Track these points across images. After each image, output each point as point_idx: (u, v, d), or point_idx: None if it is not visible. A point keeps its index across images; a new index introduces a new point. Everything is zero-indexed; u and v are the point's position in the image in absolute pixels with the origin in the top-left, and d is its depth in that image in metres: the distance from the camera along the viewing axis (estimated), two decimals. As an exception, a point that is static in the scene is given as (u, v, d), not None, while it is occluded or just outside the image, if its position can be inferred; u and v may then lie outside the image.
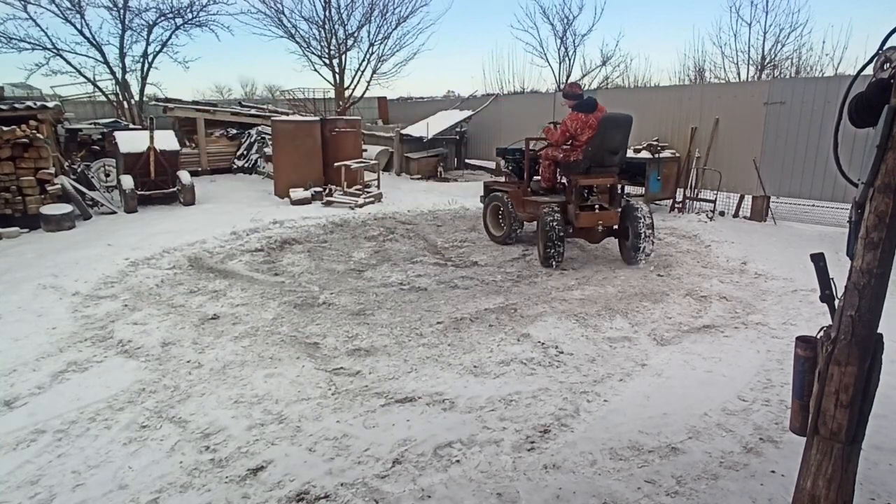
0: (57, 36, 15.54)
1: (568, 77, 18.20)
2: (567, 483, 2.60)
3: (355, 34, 15.95)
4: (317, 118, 11.35)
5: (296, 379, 3.61)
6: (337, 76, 16.18)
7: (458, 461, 2.77)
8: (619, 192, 6.62)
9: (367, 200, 9.56)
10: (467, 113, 13.87)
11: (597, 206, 6.27)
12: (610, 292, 5.27)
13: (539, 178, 6.95)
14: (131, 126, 12.52)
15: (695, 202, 8.89)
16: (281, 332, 4.36)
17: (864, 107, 1.73)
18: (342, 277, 5.82)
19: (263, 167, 12.95)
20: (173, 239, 7.04)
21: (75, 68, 14.68)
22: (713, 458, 2.78)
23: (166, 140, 9.97)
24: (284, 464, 2.76)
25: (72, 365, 3.80)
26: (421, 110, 16.02)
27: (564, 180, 6.65)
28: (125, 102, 15.00)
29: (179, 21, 15.29)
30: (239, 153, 13.91)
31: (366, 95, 16.98)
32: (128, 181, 9.10)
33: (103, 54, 14.78)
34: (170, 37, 15.43)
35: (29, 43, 14.01)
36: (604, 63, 18.26)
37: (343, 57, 16.06)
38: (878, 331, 1.78)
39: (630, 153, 9.05)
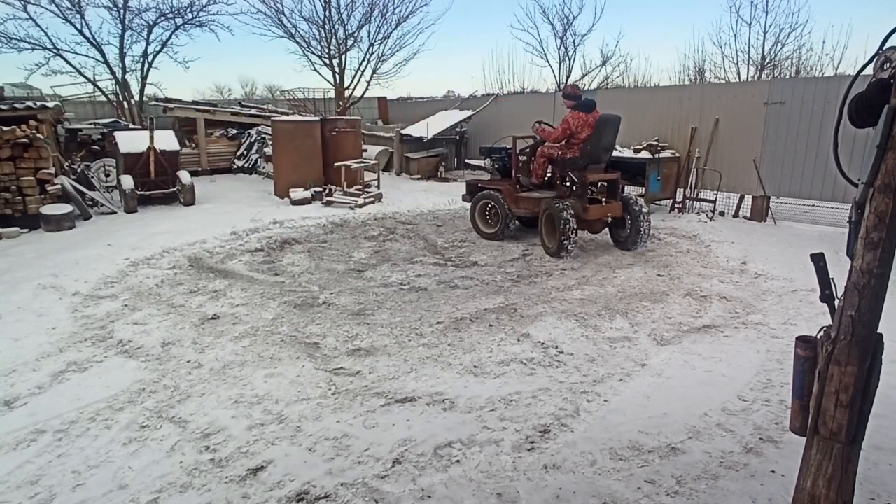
0: (57, 36, 15.57)
1: (568, 77, 18.20)
2: (567, 483, 2.60)
3: (355, 34, 15.96)
4: (317, 118, 11.35)
5: (296, 379, 3.61)
6: (337, 76, 16.18)
7: (458, 461, 2.77)
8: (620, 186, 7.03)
9: (367, 200, 9.56)
10: (467, 113, 13.87)
11: (603, 200, 6.71)
12: (610, 292, 5.27)
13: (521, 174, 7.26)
14: (131, 126, 12.52)
15: (695, 202, 8.89)
16: (281, 332, 4.36)
17: (864, 107, 1.73)
18: (342, 277, 5.83)
19: (263, 167, 12.95)
20: (173, 239, 7.04)
21: (75, 68, 14.69)
22: (713, 458, 2.78)
23: (166, 140, 9.97)
24: (284, 464, 2.76)
25: (72, 365, 3.80)
26: (421, 110, 16.01)
27: (556, 176, 7.07)
28: (125, 102, 15.00)
29: (179, 21, 15.30)
30: (239, 153, 13.91)
31: (366, 95, 16.98)
32: (128, 181, 9.10)
33: (103, 54, 14.79)
34: (170, 37, 15.45)
35: (29, 43, 14.02)
36: (604, 63, 18.28)
37: (343, 57, 16.07)
38: (878, 331, 1.78)
39: (630, 153, 9.07)
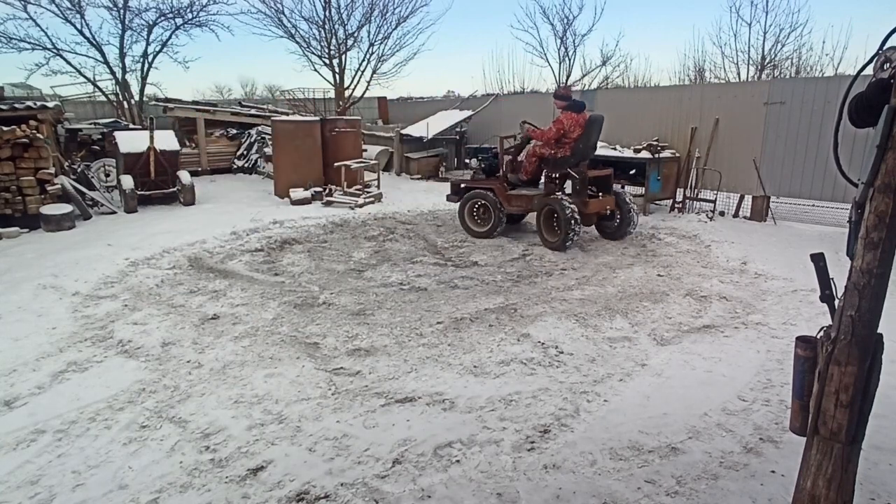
0: (57, 36, 15.54)
1: (568, 77, 18.20)
2: (567, 483, 2.60)
3: (355, 34, 15.96)
4: (317, 118, 11.34)
5: (296, 379, 3.61)
6: (337, 76, 16.17)
7: (458, 461, 2.77)
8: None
9: (367, 200, 9.56)
10: (467, 113, 13.86)
11: (599, 195, 7.13)
12: (610, 292, 5.27)
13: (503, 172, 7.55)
14: (131, 126, 12.52)
15: (695, 202, 8.89)
16: (281, 332, 4.36)
17: (864, 107, 1.73)
18: (342, 277, 5.83)
19: (263, 167, 12.95)
20: (173, 239, 7.04)
21: (75, 68, 14.69)
22: (713, 458, 2.78)
23: (166, 140, 9.97)
24: (284, 464, 2.76)
25: (72, 365, 3.80)
26: (421, 110, 16.00)
27: (544, 174, 7.44)
28: (125, 102, 15.00)
29: (179, 21, 15.29)
30: (239, 153, 13.91)
31: (366, 95, 16.97)
32: (128, 181, 9.10)
33: (103, 54, 14.79)
34: (170, 37, 15.44)
35: (29, 43, 14.02)
36: (604, 63, 18.25)
37: (343, 57, 16.06)
38: (878, 331, 1.78)
39: (630, 153, 9.07)
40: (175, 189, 9.75)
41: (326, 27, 15.56)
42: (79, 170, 9.77)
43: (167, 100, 14.50)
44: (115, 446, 2.90)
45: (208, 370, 3.74)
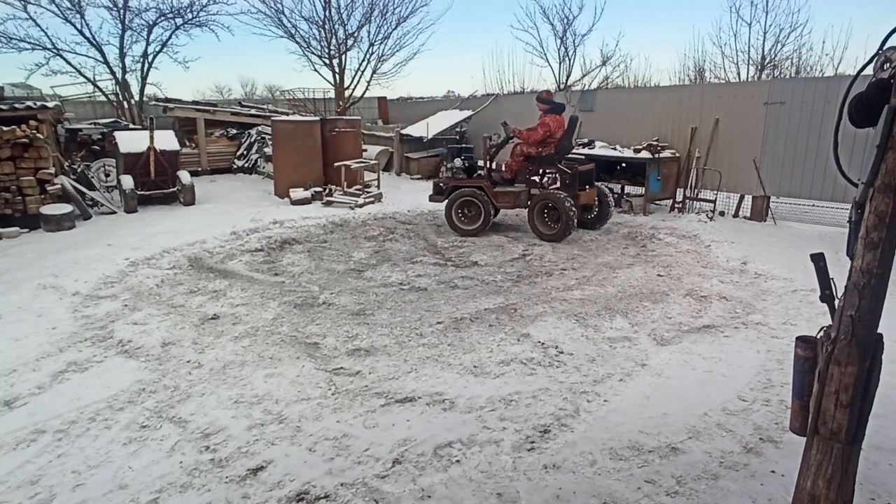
0: (57, 36, 15.53)
1: (568, 77, 18.19)
2: (567, 483, 2.60)
3: (355, 34, 15.95)
4: (317, 118, 11.34)
5: (296, 379, 3.61)
6: (337, 76, 16.17)
7: (458, 461, 2.77)
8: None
9: (367, 200, 9.56)
10: (467, 113, 13.86)
11: (587, 187, 7.62)
12: (610, 292, 5.27)
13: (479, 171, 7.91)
14: (131, 126, 12.52)
15: (695, 202, 8.89)
16: (281, 332, 4.36)
17: (864, 107, 1.73)
18: (342, 277, 5.82)
19: (263, 167, 12.95)
20: (173, 239, 7.04)
21: (75, 68, 14.69)
22: (713, 458, 2.78)
23: (166, 140, 9.97)
24: (284, 464, 2.76)
25: (72, 365, 3.80)
26: (421, 110, 16.01)
27: (528, 171, 7.80)
28: (125, 102, 15.00)
29: (179, 21, 15.29)
30: (239, 153, 13.91)
31: (366, 95, 16.97)
32: (128, 181, 9.10)
33: (103, 54, 14.79)
34: (170, 37, 15.44)
35: (29, 43, 14.02)
36: (604, 63, 18.22)
37: (343, 57, 16.06)
38: (878, 331, 1.78)
39: (630, 153, 9.07)
40: (175, 189, 9.75)
41: (326, 27, 15.56)
42: (79, 170, 9.77)
43: (167, 100, 14.50)
44: (115, 446, 2.90)
45: (208, 370, 3.74)
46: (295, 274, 5.93)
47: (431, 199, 8.10)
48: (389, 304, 5.01)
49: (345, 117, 12.62)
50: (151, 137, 9.47)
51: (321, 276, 5.87)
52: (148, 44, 15.25)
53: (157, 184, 9.64)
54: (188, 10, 15.19)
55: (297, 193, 9.72)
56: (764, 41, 16.99)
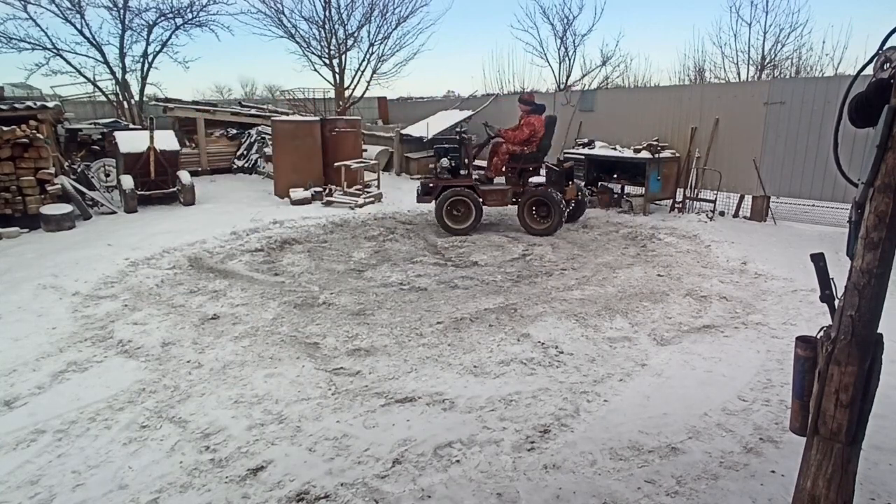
0: (57, 36, 15.54)
1: (568, 77, 18.18)
2: (567, 483, 2.60)
3: (355, 34, 15.96)
4: (317, 118, 11.34)
5: (296, 379, 3.61)
6: (337, 76, 16.18)
7: (458, 461, 2.77)
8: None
9: (367, 200, 9.56)
10: (467, 113, 13.86)
11: (570, 183, 8.01)
12: (610, 292, 5.27)
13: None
14: (131, 126, 12.52)
15: (695, 202, 8.89)
16: (281, 332, 4.36)
17: (864, 107, 1.73)
18: (342, 277, 5.82)
19: (263, 167, 12.95)
20: (173, 239, 7.04)
21: (75, 68, 14.69)
22: (713, 458, 2.78)
23: (166, 140, 9.96)
24: (284, 464, 2.76)
25: (72, 365, 3.80)
26: (421, 110, 16.01)
27: (509, 170, 8.11)
28: (125, 102, 15.00)
29: (179, 21, 15.30)
30: (239, 153, 13.91)
31: (366, 95, 16.97)
32: (128, 181, 9.10)
33: (103, 54, 14.80)
34: (170, 37, 15.44)
35: (29, 43, 14.02)
36: (604, 63, 18.21)
37: (343, 57, 16.07)
38: (878, 331, 1.78)
39: (630, 153, 9.07)
40: (175, 189, 9.75)
41: (326, 27, 15.57)
42: (79, 170, 9.77)
43: (167, 100, 14.50)
44: (115, 446, 2.90)
45: (208, 370, 3.74)
46: (295, 274, 5.93)
47: (420, 199, 8.05)
48: (389, 304, 5.01)
49: (345, 117, 12.62)
50: (151, 137, 9.46)
51: (321, 276, 5.87)
52: (148, 44, 15.26)
53: (157, 184, 9.63)
54: (188, 10, 15.21)
55: (297, 193, 9.71)
56: (764, 41, 17.00)
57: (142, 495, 2.54)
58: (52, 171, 8.13)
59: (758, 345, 4.11)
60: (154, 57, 15.45)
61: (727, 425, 3.07)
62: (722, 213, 8.52)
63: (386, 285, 5.55)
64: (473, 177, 7.86)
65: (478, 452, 2.83)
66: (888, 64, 1.68)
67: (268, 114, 14.32)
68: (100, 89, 15.04)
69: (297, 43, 15.81)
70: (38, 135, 7.97)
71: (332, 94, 16.63)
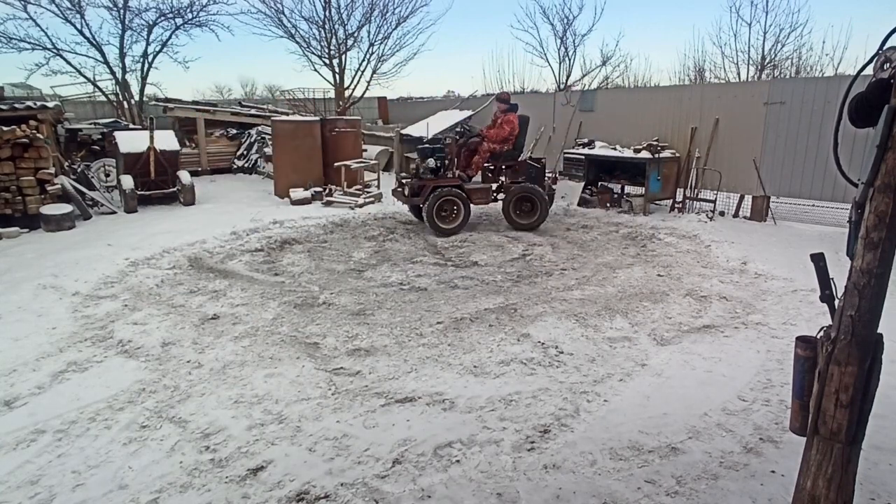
0: (57, 36, 15.54)
1: (568, 77, 18.18)
2: (567, 483, 2.60)
3: (355, 34, 15.98)
4: (317, 118, 11.35)
5: (296, 379, 3.61)
6: (337, 76, 16.19)
7: (458, 461, 2.77)
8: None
9: (367, 200, 9.56)
10: (467, 113, 13.85)
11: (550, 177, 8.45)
12: (610, 292, 5.27)
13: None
14: (131, 126, 12.53)
15: (695, 202, 8.89)
16: (281, 332, 4.36)
17: (864, 107, 1.73)
18: (342, 277, 5.82)
19: (263, 167, 12.95)
20: (173, 239, 7.04)
21: (75, 68, 14.70)
22: (713, 458, 2.78)
23: (166, 140, 9.97)
24: (284, 464, 2.76)
25: (72, 365, 3.80)
26: (421, 110, 16.01)
27: (488, 168, 8.34)
28: (125, 102, 15.01)
29: (179, 21, 15.32)
30: (239, 153, 13.91)
31: (366, 95, 16.98)
32: (128, 181, 9.10)
33: (103, 54, 14.80)
34: (170, 37, 15.46)
35: (29, 43, 14.03)
36: (604, 63, 18.22)
37: (343, 57, 16.08)
38: (878, 331, 1.78)
39: (630, 153, 9.08)
40: (175, 189, 9.75)
41: (326, 27, 15.58)
42: (79, 170, 9.77)
43: (167, 100, 14.51)
44: (115, 446, 2.90)
45: (208, 370, 3.74)
46: (295, 274, 5.93)
47: (410, 201, 7.83)
48: (389, 304, 5.01)
49: (345, 117, 12.63)
50: (151, 137, 9.46)
51: (321, 276, 5.87)
52: (148, 44, 15.28)
53: (157, 184, 9.64)
54: (188, 10, 15.22)
55: (297, 193, 9.71)
56: (764, 41, 17.02)
57: (142, 495, 2.54)
58: (52, 171, 8.13)
59: (758, 345, 4.11)
60: (154, 57, 15.47)
61: (727, 425, 3.07)
62: (722, 213, 8.52)
63: (386, 285, 5.55)
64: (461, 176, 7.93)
65: (478, 452, 2.83)
66: (888, 64, 1.68)
67: (268, 114, 14.33)
68: (100, 89, 15.05)
69: (297, 43, 15.84)
70: (38, 135, 7.97)
71: (332, 94, 16.64)
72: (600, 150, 9.70)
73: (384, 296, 5.22)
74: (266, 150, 12.92)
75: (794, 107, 8.03)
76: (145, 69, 15.40)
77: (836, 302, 1.84)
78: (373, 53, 16.18)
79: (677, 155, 9.17)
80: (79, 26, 14.26)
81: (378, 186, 10.42)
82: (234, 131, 14.09)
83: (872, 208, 1.67)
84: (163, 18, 15.11)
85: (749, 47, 17.32)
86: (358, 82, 16.44)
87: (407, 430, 3.03)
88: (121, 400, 3.36)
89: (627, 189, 9.52)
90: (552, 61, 18.30)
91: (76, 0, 13.85)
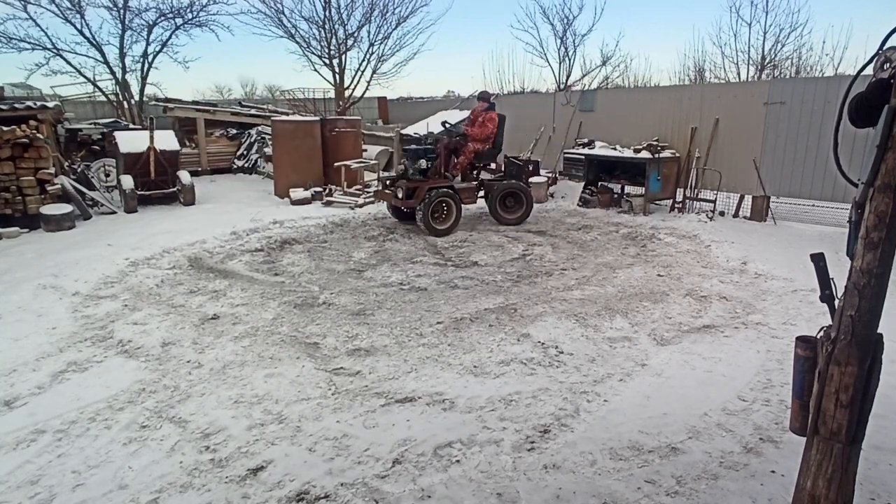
0: (57, 36, 15.58)
1: (568, 77, 18.19)
2: (567, 483, 2.60)
3: (355, 34, 16.00)
4: (317, 118, 11.35)
5: (296, 379, 3.61)
6: (337, 76, 16.20)
7: (458, 461, 2.77)
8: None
9: (367, 200, 9.56)
10: (467, 113, 13.85)
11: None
12: (610, 292, 5.27)
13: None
14: (131, 126, 12.53)
15: (695, 202, 8.89)
16: (281, 332, 4.36)
17: (864, 107, 1.73)
18: (342, 277, 5.82)
19: (263, 167, 12.95)
20: (173, 239, 7.04)
21: (75, 68, 14.72)
22: (713, 458, 2.78)
23: (166, 140, 9.97)
24: (284, 464, 2.76)
25: (72, 365, 3.80)
26: (421, 110, 16.02)
27: (468, 167, 8.45)
28: (125, 102, 15.02)
29: (179, 21, 15.34)
30: (239, 153, 13.91)
31: (366, 95, 16.99)
32: (128, 181, 9.10)
33: (103, 54, 14.82)
34: (170, 37, 15.48)
35: (29, 43, 14.05)
36: (604, 63, 18.22)
37: (343, 57, 16.10)
38: (878, 331, 1.78)
39: (630, 153, 9.08)
40: (175, 189, 9.75)
41: (326, 27, 15.60)
42: (79, 170, 9.77)
43: (167, 100, 14.51)
44: (115, 446, 2.90)
45: (208, 370, 3.74)
46: (295, 274, 5.93)
47: (407, 202, 7.59)
48: (389, 304, 5.00)
49: (345, 117, 12.63)
50: (151, 137, 9.47)
51: (321, 276, 5.87)
52: (148, 44, 15.29)
53: (157, 184, 9.64)
54: (188, 10, 15.24)
55: (297, 193, 9.71)
56: (764, 41, 17.02)
57: (142, 495, 2.54)
58: (52, 171, 8.13)
59: (758, 345, 4.11)
60: (154, 57, 15.49)
61: (727, 425, 3.07)
62: (722, 213, 8.52)
63: (386, 285, 5.55)
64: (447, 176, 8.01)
65: (478, 452, 2.83)
66: (888, 64, 1.68)
67: (268, 114, 14.34)
68: (100, 89, 15.06)
69: (297, 43, 15.85)
70: (38, 135, 7.97)
71: (332, 94, 16.66)
72: (600, 150, 9.70)
73: (384, 296, 5.22)
74: (266, 150, 12.92)
75: (794, 107, 8.03)
76: (145, 69, 15.42)
77: (836, 302, 1.84)
78: (373, 53, 16.21)
79: (677, 155, 9.17)
80: (79, 26, 14.29)
81: (378, 186, 10.42)
82: (234, 131, 14.10)
83: (872, 208, 1.67)
84: (163, 18, 15.15)
85: (749, 47, 17.34)
86: (358, 82, 16.47)
87: (407, 430, 3.03)
88: (121, 400, 3.36)
89: (627, 189, 9.52)
90: (552, 61, 18.32)
91: (76, 0, 13.85)
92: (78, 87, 15.52)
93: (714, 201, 8.59)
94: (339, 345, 4.14)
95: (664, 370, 3.73)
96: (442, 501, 2.49)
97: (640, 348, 4.08)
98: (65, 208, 7.91)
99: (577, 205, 9.58)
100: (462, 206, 7.92)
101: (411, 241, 7.38)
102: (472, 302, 5.02)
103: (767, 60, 17.26)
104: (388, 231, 7.87)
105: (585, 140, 10.24)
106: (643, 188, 8.96)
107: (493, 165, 8.73)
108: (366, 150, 12.52)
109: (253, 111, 14.92)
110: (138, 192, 9.22)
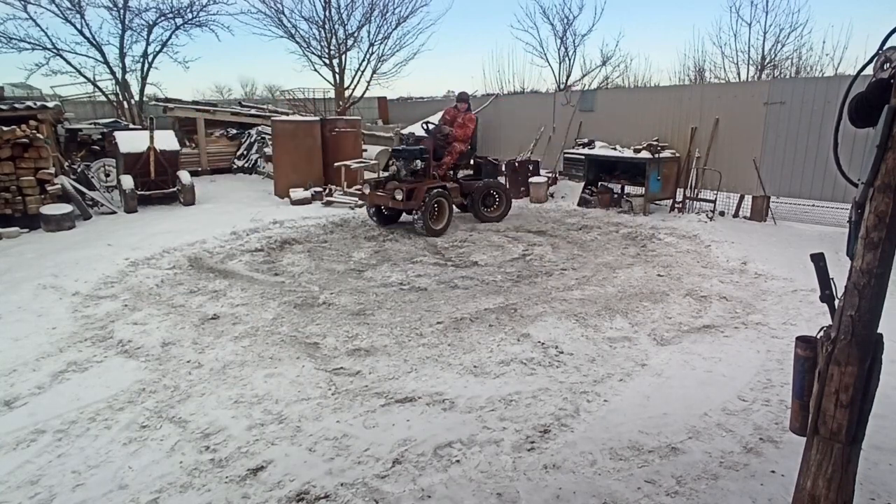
0: (57, 36, 15.56)
1: (568, 77, 18.17)
2: (567, 483, 2.60)
3: (355, 34, 15.98)
4: (317, 118, 11.35)
5: (296, 379, 3.61)
6: (337, 76, 16.19)
7: (458, 461, 2.77)
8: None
9: (367, 200, 9.55)
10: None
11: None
12: (610, 292, 5.27)
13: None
14: (131, 126, 12.53)
15: (695, 202, 8.89)
16: (281, 332, 4.36)
17: (864, 107, 1.72)
18: (342, 277, 5.82)
19: (263, 167, 12.96)
20: (173, 239, 7.04)
21: (75, 68, 14.71)
22: (713, 458, 2.78)
23: (166, 140, 9.97)
24: (284, 464, 2.76)
25: (72, 365, 3.80)
26: (421, 110, 16.00)
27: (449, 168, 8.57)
28: (125, 102, 15.02)
29: (179, 21, 15.33)
30: (239, 153, 13.91)
31: (366, 95, 16.98)
32: (128, 181, 9.10)
33: (103, 54, 14.82)
34: (170, 37, 15.47)
35: (29, 43, 14.04)
36: (604, 63, 18.19)
37: (343, 57, 16.08)
38: (878, 331, 1.78)
39: (630, 153, 9.08)
40: (175, 189, 9.75)
41: (326, 27, 15.58)
42: (79, 170, 9.78)
43: (167, 100, 14.52)
44: (115, 446, 2.90)
45: (208, 370, 3.74)
46: (295, 274, 5.93)
47: (408, 204, 7.46)
48: (389, 304, 5.01)
49: (345, 117, 12.63)
50: (151, 137, 9.47)
51: (321, 276, 5.87)
52: (148, 44, 15.29)
53: (157, 184, 9.64)
54: (188, 10, 15.23)
55: (297, 193, 9.72)
56: (764, 41, 17.01)
57: (142, 495, 2.54)
58: (52, 171, 8.13)
59: (758, 345, 4.11)
60: (154, 57, 15.48)
61: (727, 425, 3.07)
62: (722, 213, 8.52)
63: (386, 285, 5.55)
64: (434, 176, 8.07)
65: (478, 452, 2.83)
66: (888, 64, 1.68)
67: (268, 114, 14.34)
68: (100, 89, 15.06)
69: (297, 43, 15.84)
70: (38, 135, 7.97)
71: (332, 94, 16.65)
72: (600, 150, 9.70)
73: (384, 296, 5.22)
74: (266, 150, 12.92)
75: (794, 107, 8.03)
76: (145, 69, 15.42)
77: (836, 302, 1.84)
78: (373, 53, 16.19)
79: (677, 155, 9.17)
80: (79, 26, 14.29)
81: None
82: (234, 131, 14.10)
83: (872, 208, 1.67)
84: (163, 18, 15.14)
85: (749, 47, 17.32)
86: (358, 82, 16.46)
87: (407, 430, 3.03)
88: (121, 400, 3.36)
89: (627, 189, 9.52)
90: (552, 61, 18.29)
91: (76, 0, 13.85)
92: (78, 87, 15.54)
93: (714, 201, 8.59)
94: (339, 345, 4.14)
95: (664, 370, 3.73)
96: (442, 501, 2.49)
97: (640, 348, 4.08)
98: (65, 208, 7.91)
99: (577, 205, 9.58)
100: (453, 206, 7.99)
101: (411, 241, 7.38)
102: (472, 302, 5.02)
103: (767, 60, 17.26)
104: (388, 231, 7.88)
105: (585, 140, 10.25)
106: (643, 188, 8.96)
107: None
108: (366, 150, 12.52)
109: (253, 111, 14.93)
110: (138, 192, 9.22)
